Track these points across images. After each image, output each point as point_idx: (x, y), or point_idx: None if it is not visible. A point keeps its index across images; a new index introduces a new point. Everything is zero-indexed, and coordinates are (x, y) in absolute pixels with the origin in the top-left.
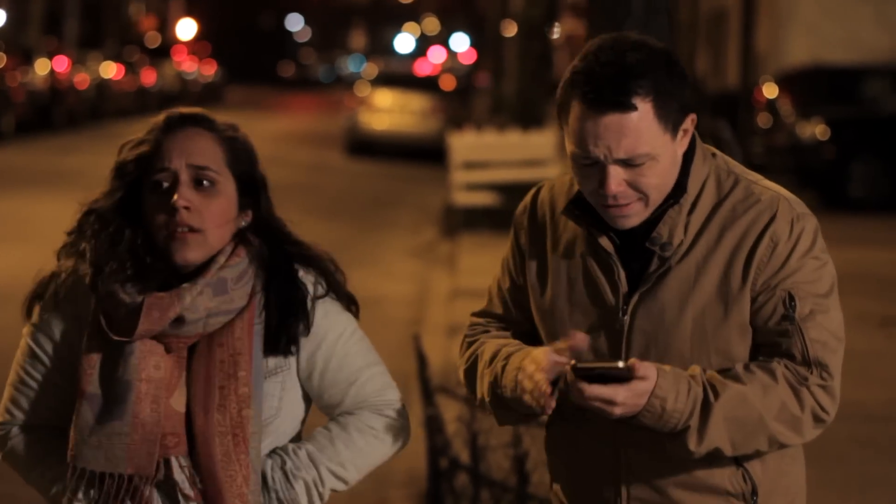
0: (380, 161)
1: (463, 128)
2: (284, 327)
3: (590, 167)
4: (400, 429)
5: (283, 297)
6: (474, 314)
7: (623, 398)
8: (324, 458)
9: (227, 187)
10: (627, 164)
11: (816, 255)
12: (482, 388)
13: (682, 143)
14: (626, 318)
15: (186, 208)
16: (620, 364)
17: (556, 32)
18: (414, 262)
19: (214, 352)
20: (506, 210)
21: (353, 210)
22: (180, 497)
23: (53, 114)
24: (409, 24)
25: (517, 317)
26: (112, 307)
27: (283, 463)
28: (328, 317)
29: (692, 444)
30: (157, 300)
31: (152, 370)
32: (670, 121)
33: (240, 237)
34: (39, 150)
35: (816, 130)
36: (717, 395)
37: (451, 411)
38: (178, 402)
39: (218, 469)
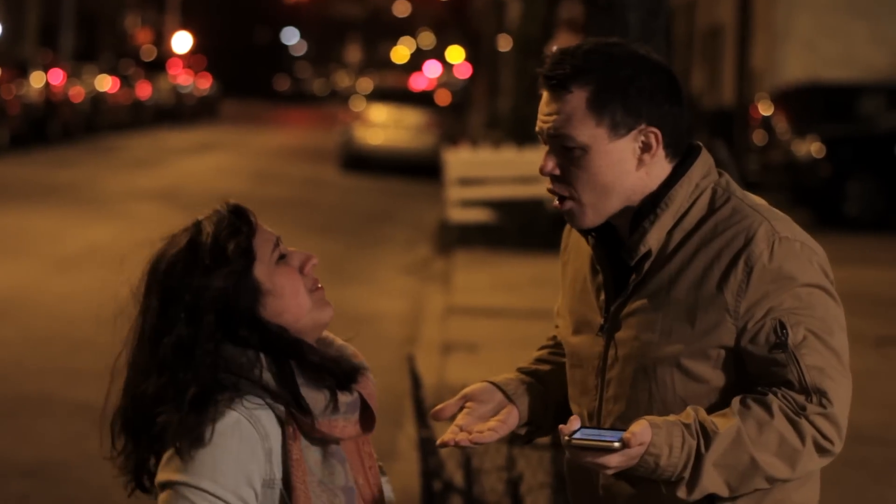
0: (374, 176)
1: (458, 143)
2: None
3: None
4: None
5: None
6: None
7: (617, 463)
8: None
9: None
10: (562, 147)
11: (808, 283)
12: None
13: (630, 149)
14: (608, 325)
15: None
16: (616, 444)
17: (553, 49)
18: (408, 278)
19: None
20: (501, 227)
21: (348, 226)
22: None
23: (48, 127)
24: (405, 38)
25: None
26: (330, 412)
27: None
28: None
29: (682, 493)
30: (364, 387)
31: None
32: (607, 117)
33: None
34: (34, 164)
35: (812, 148)
36: (707, 445)
37: (444, 433)
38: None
39: None
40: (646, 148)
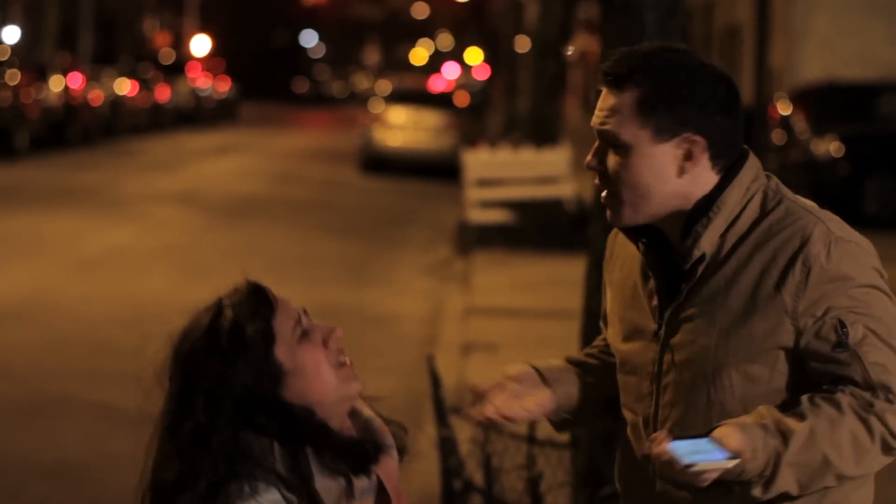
0: (394, 178)
1: (477, 145)
2: None
3: None
4: None
5: None
6: None
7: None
8: None
9: None
10: (608, 143)
11: (865, 283)
12: None
13: (672, 154)
14: (662, 331)
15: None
16: (733, 463)
17: (570, 50)
18: (428, 279)
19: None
20: (520, 228)
21: (367, 227)
22: None
23: (67, 130)
24: (423, 40)
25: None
26: (344, 499)
27: None
28: None
29: (758, 493)
30: (383, 468)
31: None
32: (652, 120)
33: None
34: (53, 167)
35: (831, 147)
36: (786, 443)
37: (464, 432)
38: None
39: None
40: (688, 156)
